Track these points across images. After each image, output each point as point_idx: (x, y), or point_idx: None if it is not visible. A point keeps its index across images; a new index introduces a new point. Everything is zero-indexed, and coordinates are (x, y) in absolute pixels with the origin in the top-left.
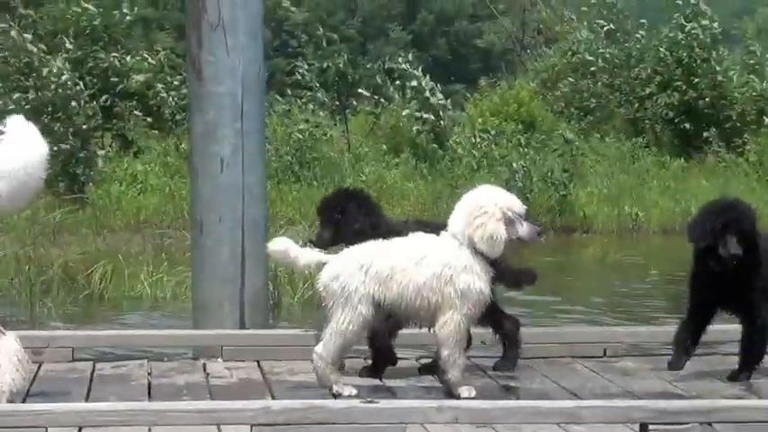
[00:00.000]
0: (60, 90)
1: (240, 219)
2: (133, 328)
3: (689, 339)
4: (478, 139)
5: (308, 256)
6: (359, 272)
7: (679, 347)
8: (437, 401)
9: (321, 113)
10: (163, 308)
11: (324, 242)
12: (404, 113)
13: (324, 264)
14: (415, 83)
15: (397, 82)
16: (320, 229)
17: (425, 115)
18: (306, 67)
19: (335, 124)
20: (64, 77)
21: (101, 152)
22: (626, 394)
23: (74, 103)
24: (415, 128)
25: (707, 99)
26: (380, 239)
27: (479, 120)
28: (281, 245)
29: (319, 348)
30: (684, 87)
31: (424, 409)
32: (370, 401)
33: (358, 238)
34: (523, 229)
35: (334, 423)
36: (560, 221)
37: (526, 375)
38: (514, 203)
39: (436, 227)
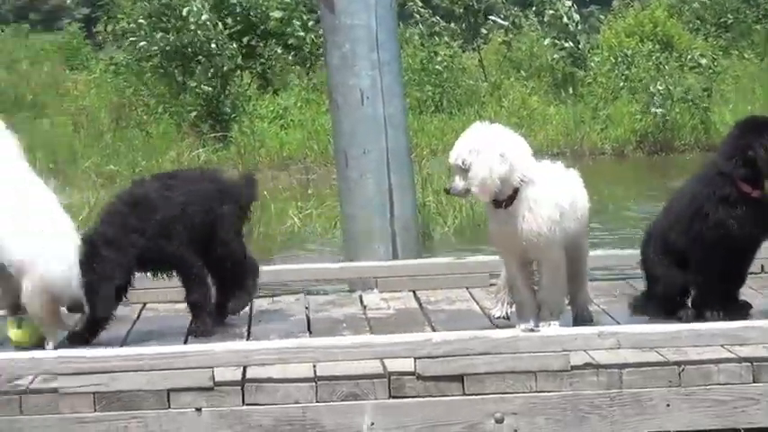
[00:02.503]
0: (200, 31)
1: (384, 150)
2: (287, 263)
3: None
4: (618, 61)
5: None
6: None
7: None
8: (598, 328)
9: (454, 43)
10: (313, 243)
11: None
12: (545, 42)
13: None
14: (552, 11)
15: (534, 8)
16: None
17: (566, 44)
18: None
19: (465, 52)
20: (203, 18)
21: (242, 91)
22: None
23: (213, 45)
24: (555, 55)
25: None
26: None
27: (615, 41)
28: None
29: None
30: None
31: (586, 336)
32: (531, 330)
33: None
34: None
35: (497, 353)
36: (705, 140)
37: None
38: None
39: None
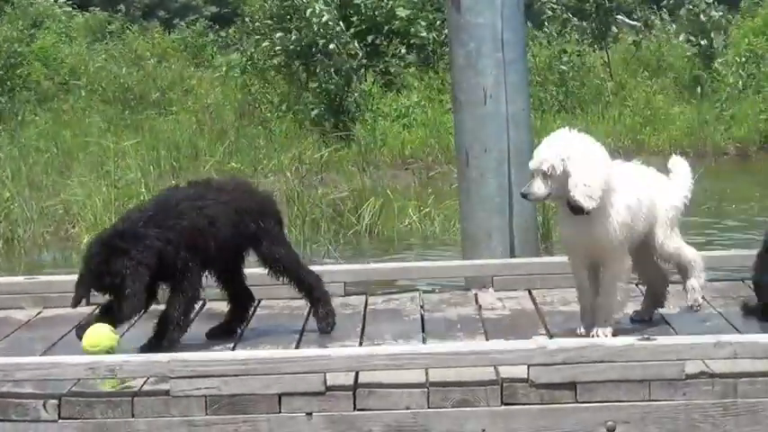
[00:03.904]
0: (322, 30)
1: (506, 149)
2: (404, 261)
3: None
4: (743, 60)
5: None
6: None
7: None
8: (716, 337)
9: (583, 42)
10: (432, 242)
11: None
12: (680, 38)
13: None
14: (690, 6)
15: (667, 6)
16: None
17: (701, 41)
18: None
19: (594, 51)
20: (324, 18)
21: (365, 89)
22: None
23: (332, 45)
24: (688, 53)
25: None
26: None
27: (745, 41)
28: None
29: None
30: None
31: (702, 346)
32: (647, 339)
33: None
34: None
35: (611, 361)
36: None
37: None
38: None
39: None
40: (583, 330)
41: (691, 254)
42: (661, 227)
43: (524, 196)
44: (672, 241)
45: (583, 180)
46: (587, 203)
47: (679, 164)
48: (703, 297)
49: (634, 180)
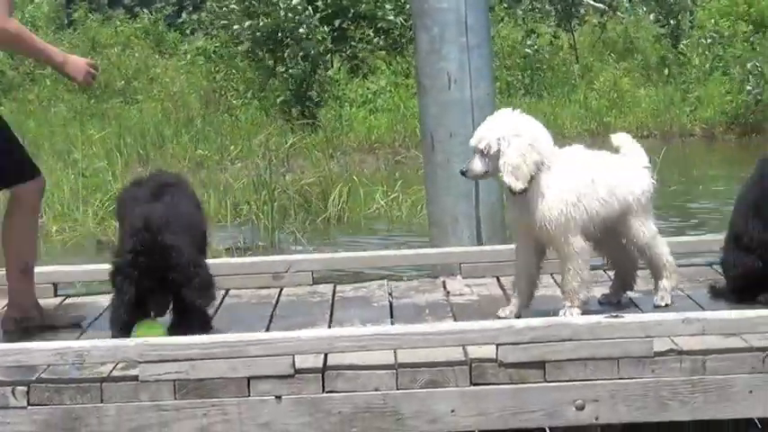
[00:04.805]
0: (290, 15)
1: (471, 134)
2: (372, 249)
3: None
4: (709, 41)
5: None
6: None
7: None
8: (683, 314)
9: (547, 25)
10: (400, 227)
11: None
12: (650, 18)
13: None
14: None
15: None
16: None
17: (671, 21)
18: None
19: (563, 33)
20: (294, 2)
21: (331, 75)
22: None
23: (302, 29)
24: (655, 32)
25: None
26: None
27: (711, 21)
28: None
29: None
30: None
31: (670, 322)
32: (615, 316)
33: None
34: None
35: (579, 340)
36: None
37: None
38: None
39: None
40: (507, 312)
41: (664, 253)
42: (635, 215)
43: (463, 173)
44: (647, 230)
45: (510, 161)
46: (513, 184)
47: (625, 140)
48: None
49: (585, 163)
